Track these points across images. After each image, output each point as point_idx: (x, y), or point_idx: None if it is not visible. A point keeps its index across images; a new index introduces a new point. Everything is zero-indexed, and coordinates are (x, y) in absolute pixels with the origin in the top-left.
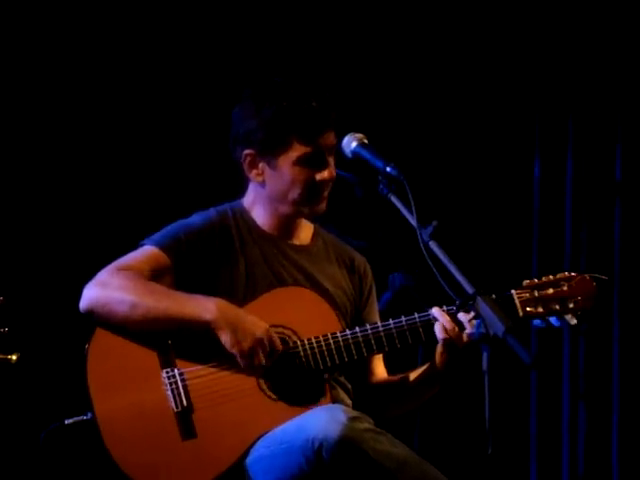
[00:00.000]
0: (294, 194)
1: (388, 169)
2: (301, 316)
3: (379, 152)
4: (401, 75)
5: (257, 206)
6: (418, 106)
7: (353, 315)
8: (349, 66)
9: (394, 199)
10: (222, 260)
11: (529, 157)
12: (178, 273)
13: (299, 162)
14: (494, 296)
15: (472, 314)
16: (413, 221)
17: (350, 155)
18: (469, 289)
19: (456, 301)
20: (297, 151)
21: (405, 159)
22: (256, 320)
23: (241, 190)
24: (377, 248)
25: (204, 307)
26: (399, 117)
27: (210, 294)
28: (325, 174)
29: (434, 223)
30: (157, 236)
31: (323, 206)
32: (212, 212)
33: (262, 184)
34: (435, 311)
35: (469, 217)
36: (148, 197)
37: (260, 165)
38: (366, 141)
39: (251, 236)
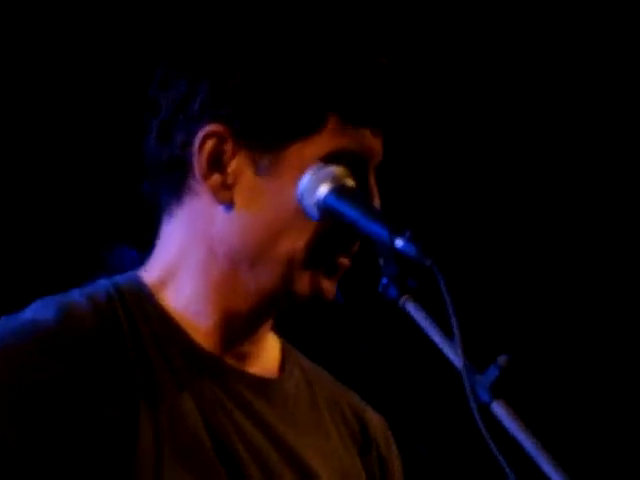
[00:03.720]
0: (301, 240)
1: (400, 244)
2: None
3: (378, 207)
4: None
5: (182, 279)
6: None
7: None
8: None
9: (413, 309)
10: (99, 421)
11: None
12: None
13: None
14: None
15: None
16: (455, 356)
17: (316, 212)
18: None
19: None
20: (330, 142)
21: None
22: None
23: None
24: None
25: None
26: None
27: None
28: None
29: (502, 361)
30: None
31: (334, 286)
32: (75, 298)
33: (223, 212)
34: None
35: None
36: None
37: (233, 164)
38: (351, 183)
39: (166, 357)
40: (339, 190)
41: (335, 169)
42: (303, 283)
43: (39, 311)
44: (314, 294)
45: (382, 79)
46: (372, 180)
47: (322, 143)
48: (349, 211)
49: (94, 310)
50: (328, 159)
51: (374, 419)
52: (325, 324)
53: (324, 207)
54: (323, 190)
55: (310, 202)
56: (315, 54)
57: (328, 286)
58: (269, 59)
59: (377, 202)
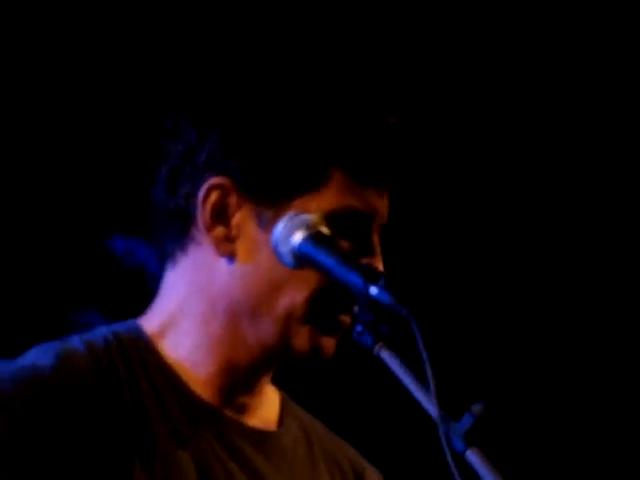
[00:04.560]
0: (300, 295)
1: (374, 291)
2: None
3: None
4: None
5: (183, 329)
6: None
7: None
8: None
9: (387, 357)
10: (93, 470)
11: None
12: None
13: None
14: None
15: None
16: (429, 404)
17: (291, 260)
18: None
19: None
20: (335, 199)
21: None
22: None
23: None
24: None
25: None
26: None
27: None
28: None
29: (476, 409)
30: None
31: (333, 344)
32: (74, 344)
33: (225, 265)
34: None
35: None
36: None
37: (237, 217)
38: (326, 230)
39: (163, 406)
40: (314, 237)
41: (309, 216)
42: (302, 339)
43: (38, 357)
44: (313, 351)
45: (389, 138)
46: (375, 240)
47: (326, 199)
48: (324, 258)
49: (92, 357)
50: (331, 215)
51: (372, 474)
52: (300, 374)
53: (299, 254)
54: (298, 237)
55: (285, 249)
56: (322, 111)
57: (327, 343)
58: (275, 114)
59: (380, 263)
